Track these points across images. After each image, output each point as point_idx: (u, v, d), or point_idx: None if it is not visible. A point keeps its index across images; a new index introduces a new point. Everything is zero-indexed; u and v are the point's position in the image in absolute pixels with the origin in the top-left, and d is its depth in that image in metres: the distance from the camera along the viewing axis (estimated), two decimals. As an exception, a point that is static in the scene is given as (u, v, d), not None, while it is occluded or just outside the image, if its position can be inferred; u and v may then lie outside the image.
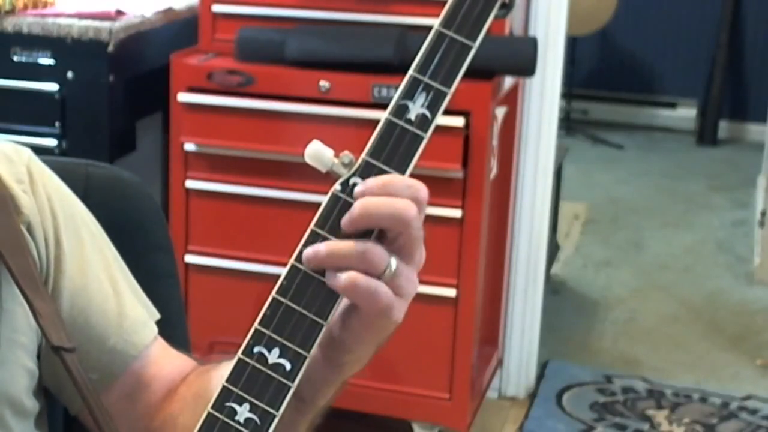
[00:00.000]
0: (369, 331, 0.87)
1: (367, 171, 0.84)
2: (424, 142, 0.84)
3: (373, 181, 0.83)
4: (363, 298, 0.83)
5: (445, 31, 0.84)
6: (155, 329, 1.11)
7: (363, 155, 0.84)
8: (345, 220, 0.83)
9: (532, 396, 3.11)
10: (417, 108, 0.84)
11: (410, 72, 0.84)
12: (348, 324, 0.86)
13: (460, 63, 0.84)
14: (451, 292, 2.50)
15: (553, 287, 3.80)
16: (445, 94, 0.84)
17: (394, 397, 2.59)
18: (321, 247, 0.83)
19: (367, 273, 0.83)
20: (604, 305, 3.79)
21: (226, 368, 0.86)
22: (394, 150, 0.84)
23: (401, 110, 0.84)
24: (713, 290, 3.93)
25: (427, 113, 0.84)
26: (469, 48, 0.84)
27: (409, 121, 0.84)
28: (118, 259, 1.11)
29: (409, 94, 0.84)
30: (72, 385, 0.98)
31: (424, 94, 0.84)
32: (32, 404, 1.05)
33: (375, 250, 0.83)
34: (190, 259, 2.62)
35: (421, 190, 0.84)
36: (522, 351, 3.09)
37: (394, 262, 0.84)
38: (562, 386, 3.16)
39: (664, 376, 3.26)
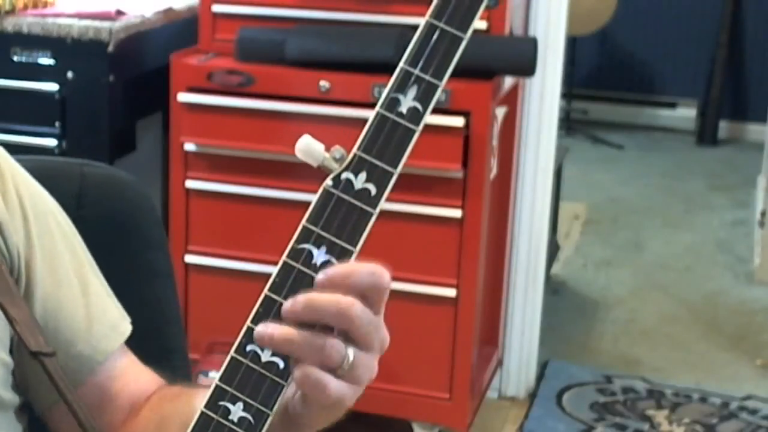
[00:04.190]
0: (322, 413, 0.86)
1: (359, 165, 0.83)
2: (416, 135, 0.83)
3: (335, 271, 0.82)
4: (313, 392, 0.82)
5: (436, 23, 0.83)
6: (125, 333, 1.07)
7: (355, 149, 0.84)
8: (287, 309, 0.82)
9: (532, 396, 3.10)
10: (408, 101, 0.83)
11: (401, 64, 0.83)
12: (305, 404, 0.85)
13: (451, 55, 0.83)
14: (451, 292, 2.50)
15: (553, 287, 3.79)
16: (436, 87, 0.83)
17: (394, 397, 2.58)
18: (276, 331, 0.82)
19: (323, 366, 0.81)
20: (604, 305, 3.79)
21: (198, 396, 0.85)
22: (385, 144, 0.83)
23: (393, 103, 0.83)
24: (713, 290, 3.93)
25: (419, 106, 0.83)
26: (460, 39, 0.83)
27: (400, 115, 0.83)
28: (90, 259, 1.08)
29: (401, 87, 0.83)
30: (39, 385, 0.96)
31: (415, 87, 0.83)
32: (10, 396, 1.02)
33: (332, 344, 0.81)
34: (190, 259, 2.62)
35: (384, 276, 0.82)
36: (522, 351, 3.09)
37: (351, 353, 0.82)
38: (562, 386, 3.16)
39: (664, 376, 3.26)
